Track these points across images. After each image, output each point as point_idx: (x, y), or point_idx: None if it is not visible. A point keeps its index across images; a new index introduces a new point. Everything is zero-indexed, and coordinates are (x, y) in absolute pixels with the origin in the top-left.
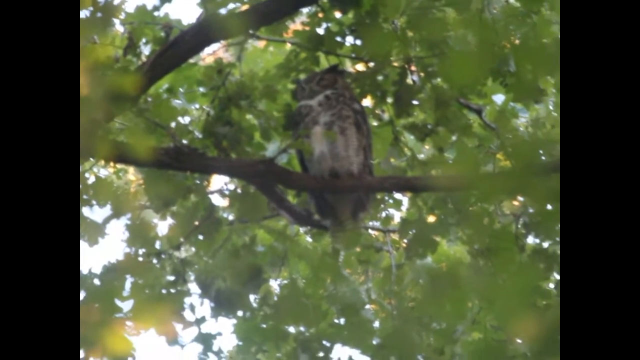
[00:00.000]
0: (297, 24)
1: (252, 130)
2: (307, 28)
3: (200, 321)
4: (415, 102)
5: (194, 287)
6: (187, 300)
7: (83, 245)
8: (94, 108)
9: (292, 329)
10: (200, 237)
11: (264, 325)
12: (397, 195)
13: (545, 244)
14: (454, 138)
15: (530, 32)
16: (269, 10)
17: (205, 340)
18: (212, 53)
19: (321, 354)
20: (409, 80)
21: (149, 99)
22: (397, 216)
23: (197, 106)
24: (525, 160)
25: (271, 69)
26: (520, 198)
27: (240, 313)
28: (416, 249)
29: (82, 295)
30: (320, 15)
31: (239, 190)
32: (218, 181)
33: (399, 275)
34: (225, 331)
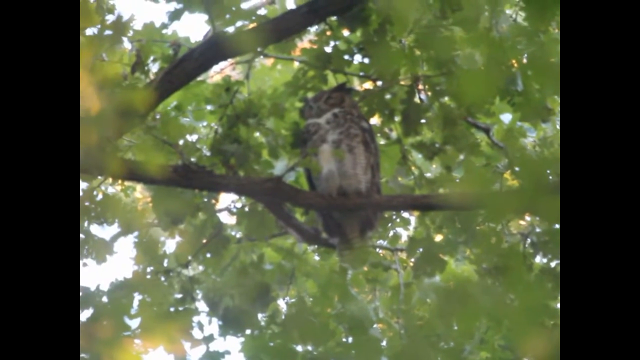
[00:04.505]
0: (305, 42)
1: (260, 148)
2: (315, 46)
3: (208, 339)
4: (423, 121)
5: (202, 305)
6: (195, 319)
7: (91, 262)
8: (103, 125)
9: (299, 348)
10: (209, 255)
11: (272, 344)
12: (405, 214)
13: (553, 263)
14: (461, 157)
15: (538, 51)
16: (277, 28)
17: (213, 358)
18: (220, 71)
19: None
20: (417, 99)
21: (157, 117)
22: (404, 235)
23: (205, 124)
24: (533, 180)
25: (279, 87)
26: (528, 217)
27: (248, 331)
28: (424, 267)
29: (90, 312)
30: (329, 33)
31: (246, 208)
32: (226, 199)
33: (407, 294)
34: (233, 349)
